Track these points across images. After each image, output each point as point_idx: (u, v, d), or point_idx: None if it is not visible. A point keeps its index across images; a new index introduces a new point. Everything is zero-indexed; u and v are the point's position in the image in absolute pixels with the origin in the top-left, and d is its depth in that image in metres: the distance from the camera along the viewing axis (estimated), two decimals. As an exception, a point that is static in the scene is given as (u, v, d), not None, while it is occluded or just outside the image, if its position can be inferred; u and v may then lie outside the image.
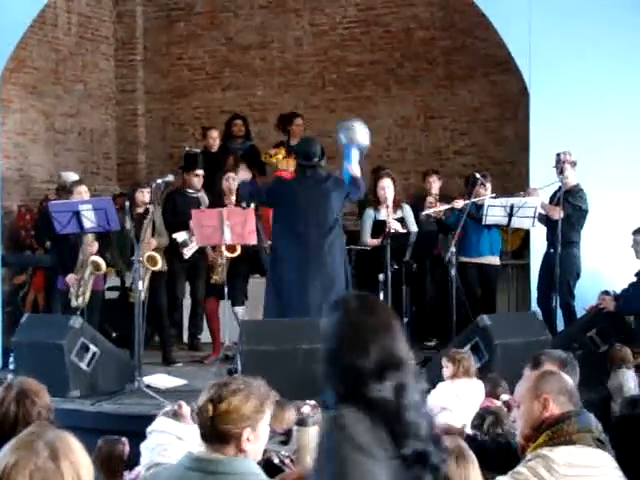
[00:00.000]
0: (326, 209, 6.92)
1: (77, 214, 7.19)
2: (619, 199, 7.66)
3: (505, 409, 4.64)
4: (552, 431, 3.12)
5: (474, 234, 8.17)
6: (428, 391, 2.42)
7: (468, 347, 6.44)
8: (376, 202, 8.06)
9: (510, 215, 7.71)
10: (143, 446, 3.15)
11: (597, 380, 6.22)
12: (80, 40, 11.65)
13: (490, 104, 10.91)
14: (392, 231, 7.59)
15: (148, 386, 6.77)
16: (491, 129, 10.92)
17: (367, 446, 2.11)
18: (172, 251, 8.14)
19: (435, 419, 2.32)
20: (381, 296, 7.35)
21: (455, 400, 5.28)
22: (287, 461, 3.88)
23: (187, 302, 8.87)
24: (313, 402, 4.40)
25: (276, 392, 2.77)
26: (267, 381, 2.69)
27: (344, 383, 2.21)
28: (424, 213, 8.34)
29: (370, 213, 8.12)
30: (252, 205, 7.71)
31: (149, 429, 3.18)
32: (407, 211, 8.15)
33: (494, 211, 7.80)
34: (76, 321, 6.89)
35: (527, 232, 8.61)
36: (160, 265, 7.76)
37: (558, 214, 7.57)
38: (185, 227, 8.05)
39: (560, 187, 7.66)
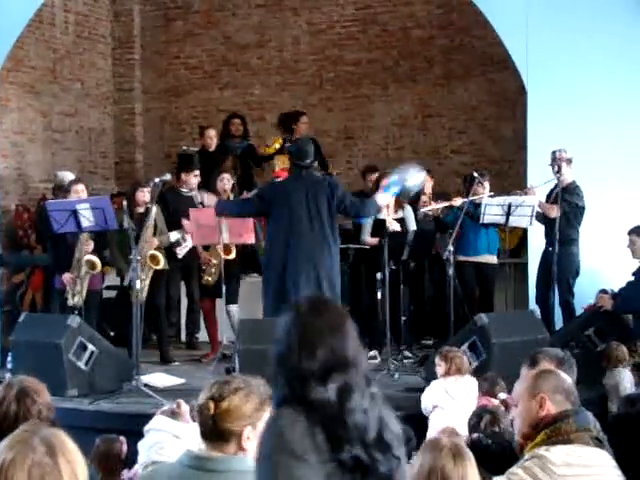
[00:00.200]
0: (320, 209, 6.93)
1: (75, 213, 7.17)
2: (617, 197, 7.67)
3: (502, 408, 4.64)
4: (550, 430, 3.10)
5: (472, 233, 8.16)
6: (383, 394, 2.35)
7: (466, 346, 6.43)
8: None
9: (508, 214, 7.70)
10: (140, 444, 3.15)
11: (595, 379, 6.24)
12: (77, 39, 11.62)
13: (488, 102, 10.91)
14: (390, 231, 7.61)
15: (146, 385, 6.77)
16: (489, 128, 10.92)
17: (301, 451, 2.09)
18: (167, 250, 8.12)
19: (395, 425, 2.25)
20: (379, 295, 7.37)
21: (447, 398, 5.31)
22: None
23: (184, 301, 8.87)
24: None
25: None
26: (265, 380, 2.69)
27: (289, 385, 2.19)
28: (422, 210, 8.34)
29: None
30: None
31: (146, 427, 3.18)
32: (408, 211, 8.15)
33: (492, 210, 7.80)
34: (74, 320, 6.87)
35: (525, 231, 8.61)
36: (162, 264, 7.76)
37: (555, 212, 7.58)
38: (178, 226, 8.01)
39: (557, 185, 7.67)
